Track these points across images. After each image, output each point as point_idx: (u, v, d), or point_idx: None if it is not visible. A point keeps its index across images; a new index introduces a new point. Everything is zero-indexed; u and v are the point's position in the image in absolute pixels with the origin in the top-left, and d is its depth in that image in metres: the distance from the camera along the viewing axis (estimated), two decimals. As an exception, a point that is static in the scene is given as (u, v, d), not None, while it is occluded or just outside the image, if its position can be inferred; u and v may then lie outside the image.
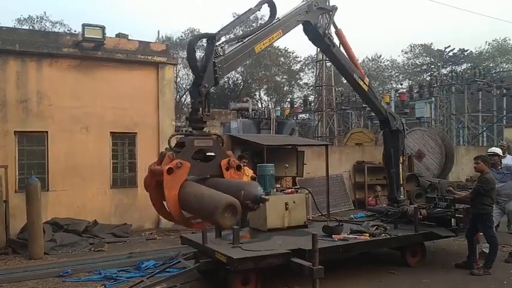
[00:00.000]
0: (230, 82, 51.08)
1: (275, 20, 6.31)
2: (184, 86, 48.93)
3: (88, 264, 7.66)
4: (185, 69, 48.18)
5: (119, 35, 11.73)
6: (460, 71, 45.51)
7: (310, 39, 7.54)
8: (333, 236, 6.85)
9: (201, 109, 5.17)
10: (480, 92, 34.32)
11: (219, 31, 5.60)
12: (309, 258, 5.54)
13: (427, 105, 30.04)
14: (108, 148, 11.19)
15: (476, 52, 58.51)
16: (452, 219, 7.51)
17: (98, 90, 11.04)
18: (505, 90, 33.42)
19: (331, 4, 7.73)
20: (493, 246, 7.05)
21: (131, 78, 11.43)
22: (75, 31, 30.01)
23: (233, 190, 4.55)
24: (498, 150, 8.18)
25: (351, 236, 6.87)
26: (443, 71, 54.89)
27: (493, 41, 57.92)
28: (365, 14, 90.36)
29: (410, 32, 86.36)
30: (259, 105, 42.81)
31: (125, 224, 10.93)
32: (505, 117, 33.44)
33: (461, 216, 7.48)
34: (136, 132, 11.47)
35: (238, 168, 5.07)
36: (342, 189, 14.13)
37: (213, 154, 4.99)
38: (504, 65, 56.29)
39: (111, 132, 11.22)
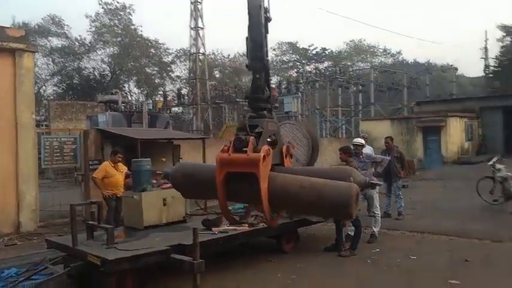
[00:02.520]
0: (96, 73, 48.17)
1: None
2: (43, 76, 44.93)
3: None
4: (45, 58, 44.28)
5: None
6: (322, 68, 48.98)
7: None
8: (212, 229, 6.83)
9: (266, 87, 4.53)
10: (340, 88, 37.35)
11: None
12: (189, 253, 5.44)
13: (295, 100, 31.78)
14: (-46, 145, 9.71)
15: (336, 51, 63.44)
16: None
17: None
18: (361, 87, 36.91)
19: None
20: (358, 229, 7.69)
21: (-19, 66, 10.03)
22: None
23: (338, 177, 4.00)
24: (362, 141, 8.93)
25: (230, 227, 6.90)
26: (308, 68, 58.65)
27: (350, 41, 63.36)
28: (234, 7, 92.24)
29: (278, 29, 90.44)
30: (130, 98, 41.13)
31: (-24, 230, 9.61)
32: (361, 112, 36.91)
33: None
34: (-12, 126, 10.10)
35: (291, 156, 4.66)
36: (218, 182, 14.19)
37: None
38: (360, 63, 62.04)
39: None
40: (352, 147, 8.81)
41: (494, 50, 46.13)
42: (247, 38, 4.62)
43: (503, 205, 10.73)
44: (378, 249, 7.87)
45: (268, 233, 7.36)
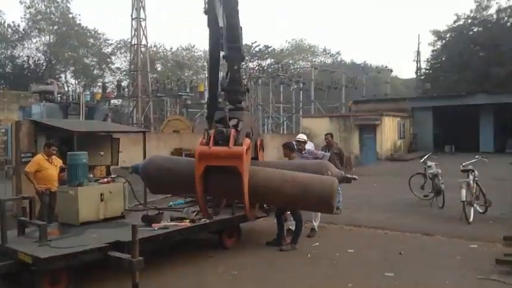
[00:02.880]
0: (30, 61, 45.67)
1: None
2: None
3: None
4: None
5: None
6: (265, 65, 49.39)
7: None
8: (152, 225, 6.67)
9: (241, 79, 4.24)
10: (282, 86, 37.90)
11: None
12: (128, 250, 5.29)
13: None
14: None
15: (279, 49, 64.25)
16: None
17: None
18: (302, 85, 37.65)
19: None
20: (299, 224, 7.81)
21: None
22: None
23: (316, 171, 3.83)
24: (305, 137, 9.08)
25: (171, 223, 6.78)
26: (251, 64, 58.98)
27: (292, 40, 64.41)
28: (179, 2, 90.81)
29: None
30: (66, 89, 39.36)
31: None
32: (301, 109, 37.66)
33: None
34: None
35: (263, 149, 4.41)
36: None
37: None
38: (301, 62, 63.24)
39: None
40: (295, 143, 8.96)
41: (427, 54, 48.76)
42: (221, 27, 4.55)
43: (433, 200, 11.32)
44: (317, 243, 8.05)
45: (210, 228, 7.30)
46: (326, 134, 11.15)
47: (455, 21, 36.79)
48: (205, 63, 67.13)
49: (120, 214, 7.19)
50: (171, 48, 62.43)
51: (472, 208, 9.50)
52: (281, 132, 35.39)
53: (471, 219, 9.31)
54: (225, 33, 4.51)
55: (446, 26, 37.76)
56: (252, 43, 62.99)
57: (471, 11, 35.98)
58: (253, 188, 3.79)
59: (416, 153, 25.73)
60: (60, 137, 10.16)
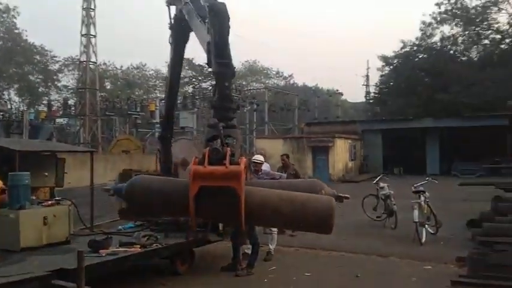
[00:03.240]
0: (-31, 78, 43.35)
1: None
2: None
3: None
4: None
5: None
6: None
7: None
8: (100, 251, 6.24)
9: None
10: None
11: None
12: (74, 279, 4.87)
13: (191, 115, 31.55)
14: None
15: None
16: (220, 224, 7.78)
17: None
18: (255, 106, 37.87)
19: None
20: (255, 247, 7.60)
21: None
22: None
23: (310, 190, 3.53)
24: (262, 158, 8.97)
25: (120, 249, 6.38)
26: (204, 84, 58.89)
27: (246, 61, 65.11)
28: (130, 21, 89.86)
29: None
30: (9, 106, 37.51)
31: None
32: (255, 130, 37.78)
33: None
34: None
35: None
36: (108, 199, 13.29)
37: None
38: (254, 84, 63.78)
39: None
40: (251, 164, 8.81)
41: (375, 78, 50.58)
42: (209, 42, 4.35)
43: (386, 221, 11.45)
44: (274, 267, 7.86)
45: (162, 254, 6.95)
46: (282, 155, 11.09)
47: (401, 48, 38.58)
48: (156, 82, 66.47)
49: (64, 239, 6.71)
50: (122, 67, 61.29)
51: (424, 229, 9.66)
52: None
53: (423, 240, 9.45)
54: (214, 49, 4.29)
55: (393, 52, 39.45)
56: (205, 63, 62.94)
57: (416, 39, 37.91)
58: (248, 209, 3.60)
59: (367, 174, 26.30)
60: (1, 156, 9.47)
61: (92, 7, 32.63)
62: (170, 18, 6.35)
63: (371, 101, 45.19)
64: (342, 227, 11.65)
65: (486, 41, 37.28)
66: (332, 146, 25.67)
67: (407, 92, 33.14)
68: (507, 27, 35.96)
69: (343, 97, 52.60)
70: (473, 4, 35.94)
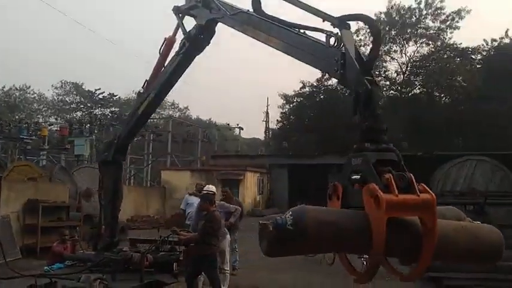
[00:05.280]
0: None
1: None
2: None
3: None
4: None
5: None
6: (108, 114, 47.02)
7: None
8: (44, 300, 4.91)
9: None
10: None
11: None
12: None
13: (87, 142, 29.07)
14: None
15: (125, 98, 62.69)
16: (175, 263, 6.76)
17: None
18: (156, 136, 36.39)
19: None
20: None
21: None
22: None
23: (456, 218, 3.39)
24: (214, 189, 8.19)
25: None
26: (97, 111, 55.99)
27: (138, 90, 63.61)
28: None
29: (61, 67, 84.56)
30: None
31: None
32: (155, 161, 36.11)
33: (181, 259, 6.86)
34: None
35: None
36: (8, 233, 11.19)
37: None
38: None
39: None
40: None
41: (276, 115, 51.85)
42: (350, 59, 3.61)
43: (323, 257, 11.14)
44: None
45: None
46: (223, 188, 10.41)
47: (301, 88, 40.27)
48: (40, 107, 61.30)
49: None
50: (4, 87, 55.74)
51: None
52: (144, 184, 33.28)
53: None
54: (366, 64, 3.61)
55: (294, 91, 41.02)
56: (96, 90, 60.34)
57: (316, 80, 39.90)
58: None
59: (272, 209, 26.27)
60: None
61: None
62: (184, 28, 5.45)
63: (270, 137, 45.94)
64: (272, 263, 11.09)
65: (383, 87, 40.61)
66: (242, 179, 25.32)
67: (310, 130, 34.42)
68: (395, 75, 39.74)
69: (238, 132, 53.21)
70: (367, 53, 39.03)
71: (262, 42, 4.06)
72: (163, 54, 5.99)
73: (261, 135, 59.79)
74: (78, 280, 5.57)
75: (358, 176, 3.52)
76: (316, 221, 3.16)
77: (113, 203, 6.94)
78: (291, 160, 30.37)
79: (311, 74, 43.04)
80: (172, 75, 5.75)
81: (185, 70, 5.73)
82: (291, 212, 3.24)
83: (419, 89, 39.68)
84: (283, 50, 3.89)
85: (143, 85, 6.32)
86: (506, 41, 38.49)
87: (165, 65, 5.88)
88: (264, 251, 3.59)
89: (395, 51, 38.18)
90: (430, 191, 3.13)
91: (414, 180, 3.11)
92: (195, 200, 9.05)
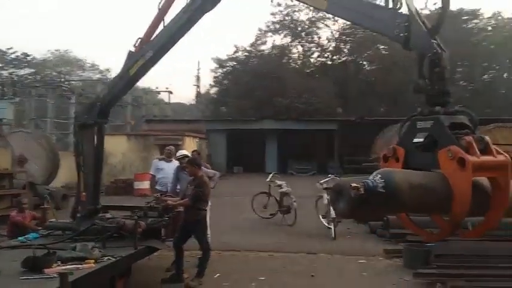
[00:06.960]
0: None
1: None
2: None
3: None
4: None
5: None
6: (22, 74, 43.79)
7: None
8: (44, 270, 4.61)
9: None
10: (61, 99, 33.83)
11: None
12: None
13: (11, 105, 26.80)
14: None
15: (41, 59, 58.47)
16: (162, 229, 6.63)
17: None
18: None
19: None
20: (207, 253, 6.71)
21: None
22: None
23: None
24: (187, 153, 8.03)
25: (72, 266, 4.83)
26: (4, 72, 51.54)
27: (56, 50, 60.20)
28: None
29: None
30: None
31: None
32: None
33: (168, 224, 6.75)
34: None
35: None
36: None
37: None
38: (66, 76, 58.07)
39: None
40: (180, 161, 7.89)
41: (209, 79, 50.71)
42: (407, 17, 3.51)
43: (283, 219, 11.49)
44: (218, 274, 7.04)
45: (120, 268, 5.52)
46: (193, 151, 10.23)
47: (234, 52, 39.76)
48: None
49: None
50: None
51: (333, 224, 9.90)
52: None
53: (333, 235, 9.72)
54: (434, 28, 3.63)
55: (227, 55, 40.40)
56: (7, 49, 55.47)
57: (250, 45, 39.52)
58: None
59: (211, 173, 26.27)
60: None
61: None
62: None
63: (210, 101, 44.60)
64: (235, 226, 11.25)
65: (315, 53, 41.18)
66: (181, 144, 24.83)
67: (245, 95, 34.34)
68: (326, 42, 40.45)
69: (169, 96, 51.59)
70: (302, 18, 39.46)
71: (310, 5, 4.03)
72: (163, 10, 5.65)
73: (186, 100, 58.90)
74: (73, 249, 5.31)
75: (422, 139, 3.65)
76: (406, 183, 3.27)
77: (95, 168, 6.62)
78: (229, 125, 30.34)
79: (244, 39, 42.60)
80: (177, 34, 5.46)
81: (191, 28, 5.46)
82: (380, 175, 3.30)
83: (345, 56, 40.47)
84: (338, 14, 3.87)
85: (135, 43, 5.94)
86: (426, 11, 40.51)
87: (166, 21, 5.55)
88: (342, 213, 3.63)
89: (328, 18, 38.89)
90: (504, 153, 3.37)
91: (491, 142, 3.32)
92: (165, 165, 8.81)
